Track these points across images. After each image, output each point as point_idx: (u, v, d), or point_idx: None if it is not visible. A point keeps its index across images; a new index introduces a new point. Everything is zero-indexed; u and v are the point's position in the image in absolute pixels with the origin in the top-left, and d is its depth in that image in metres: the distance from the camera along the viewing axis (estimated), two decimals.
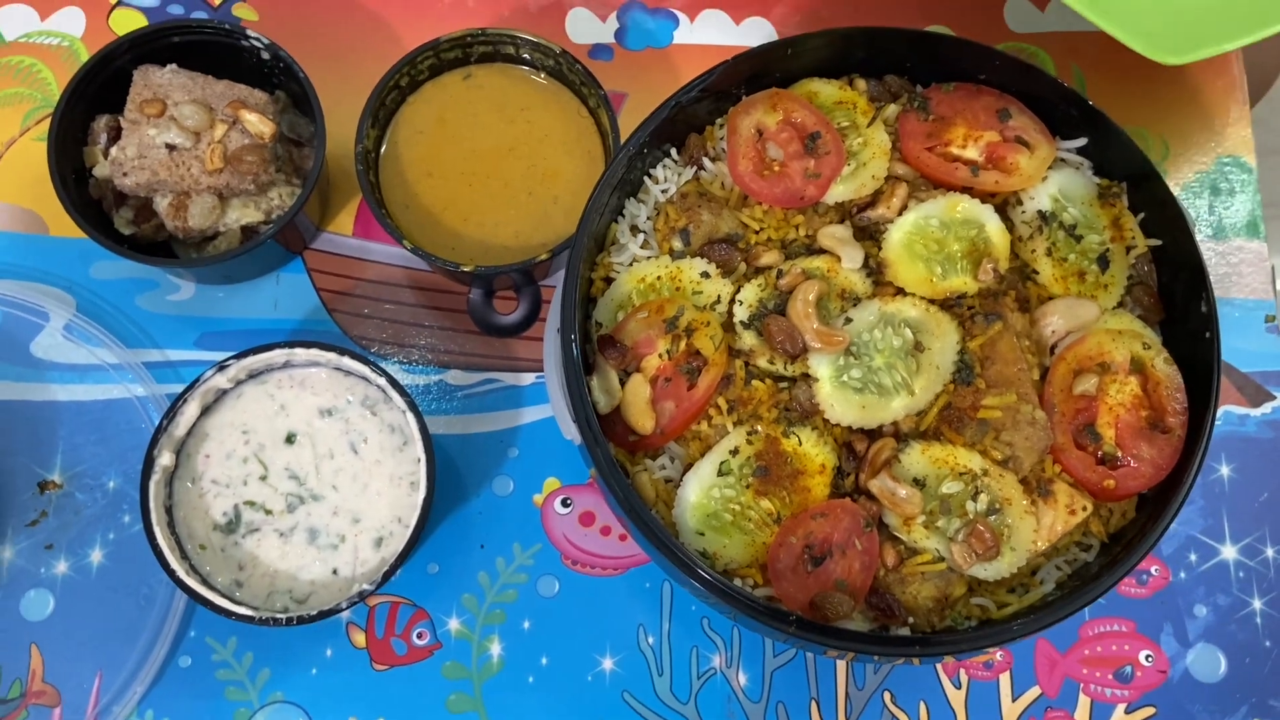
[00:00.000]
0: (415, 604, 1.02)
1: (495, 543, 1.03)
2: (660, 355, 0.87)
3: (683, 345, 0.87)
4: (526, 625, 1.01)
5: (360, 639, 1.01)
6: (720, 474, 0.84)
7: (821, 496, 0.85)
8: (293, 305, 1.09)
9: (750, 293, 0.89)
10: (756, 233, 0.91)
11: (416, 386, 1.07)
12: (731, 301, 0.89)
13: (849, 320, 0.86)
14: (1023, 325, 0.86)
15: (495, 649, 1.01)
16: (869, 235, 0.91)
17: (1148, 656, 1.02)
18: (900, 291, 0.87)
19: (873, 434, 0.86)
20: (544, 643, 1.01)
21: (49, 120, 1.09)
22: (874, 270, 0.89)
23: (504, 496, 1.05)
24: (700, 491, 0.84)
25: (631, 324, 0.88)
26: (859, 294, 0.88)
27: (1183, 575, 1.04)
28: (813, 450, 0.85)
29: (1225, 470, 1.06)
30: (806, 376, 0.87)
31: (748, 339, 0.87)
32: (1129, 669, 1.02)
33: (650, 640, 1.01)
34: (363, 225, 1.12)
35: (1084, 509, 0.83)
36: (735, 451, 0.84)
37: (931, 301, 0.87)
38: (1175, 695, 1.01)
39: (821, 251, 0.90)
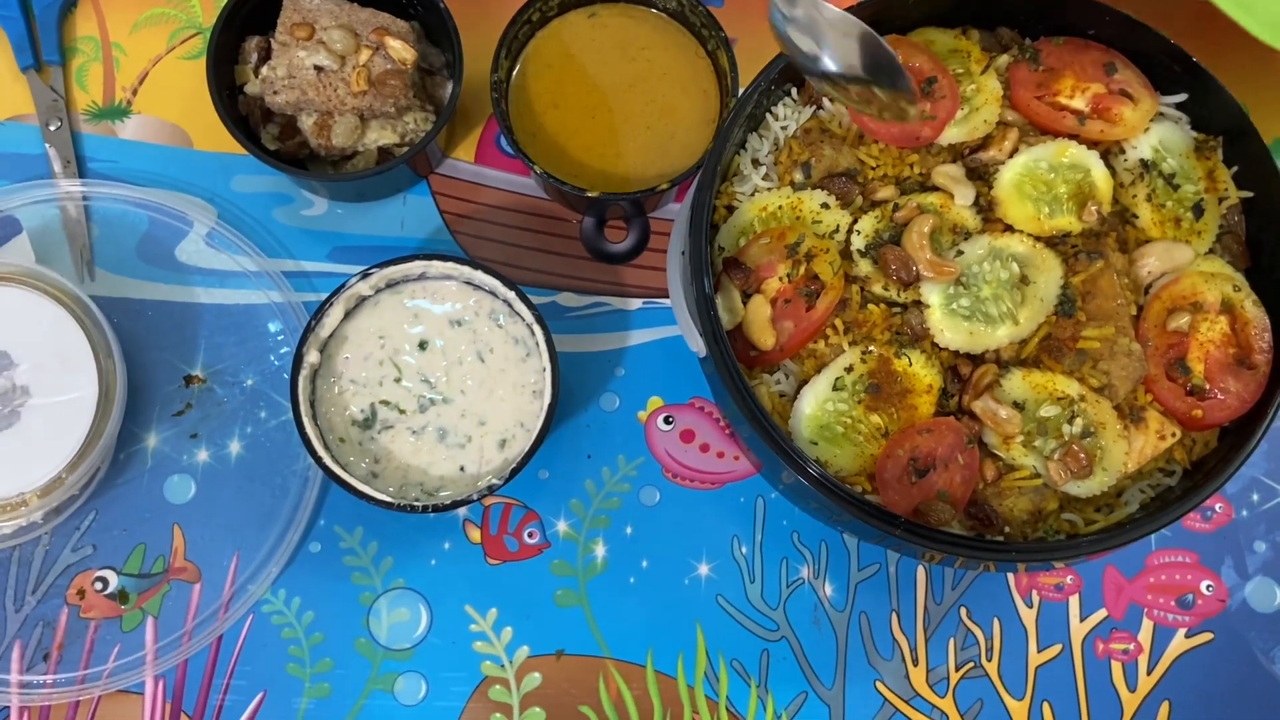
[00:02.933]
0: (527, 505, 1.07)
1: (602, 454, 1.08)
2: (780, 279, 0.93)
3: (802, 270, 0.93)
4: (629, 531, 1.07)
5: (476, 535, 1.08)
6: (835, 389, 0.91)
7: (927, 414, 0.91)
8: (418, 225, 1.15)
9: (867, 224, 0.95)
10: (873, 169, 0.97)
11: None
12: (849, 231, 0.95)
13: (960, 253, 0.93)
14: (1123, 265, 0.93)
15: (600, 550, 1.07)
16: (979, 176, 0.97)
17: (1208, 586, 1.08)
18: (1009, 228, 0.93)
19: (977, 360, 0.93)
20: (645, 548, 1.06)
21: (194, 39, 1.15)
22: (984, 208, 0.95)
23: (610, 412, 1.10)
24: (815, 404, 0.91)
25: (754, 249, 0.95)
26: (969, 229, 0.94)
27: (1244, 513, 1.10)
28: (921, 371, 0.92)
29: None
30: (918, 304, 0.93)
31: (864, 266, 0.94)
32: (1190, 597, 1.07)
33: (743, 550, 1.07)
34: (483, 153, 1.18)
35: (1173, 435, 0.89)
36: (850, 369, 0.91)
37: (1037, 239, 0.93)
38: (1232, 622, 1.06)
39: (935, 189, 0.96)
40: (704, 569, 1.07)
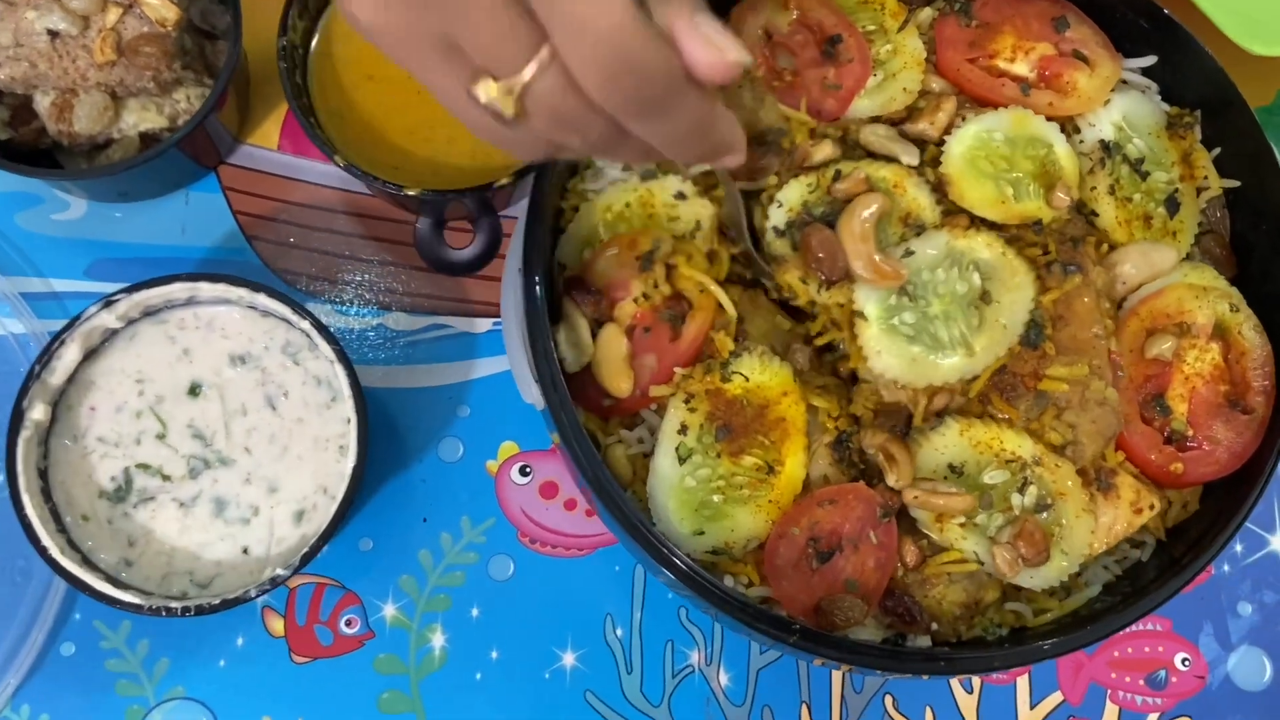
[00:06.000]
0: (344, 586, 0.88)
1: (440, 516, 0.90)
2: (637, 300, 0.72)
3: (663, 286, 0.72)
4: (475, 613, 0.89)
5: (278, 626, 0.87)
6: (681, 461, 0.70)
7: (800, 421, 0.72)
8: (204, 230, 0.94)
9: (794, 192, 0.74)
10: (802, 131, 0.77)
11: (351, 331, 0.92)
12: (755, 215, 0.74)
13: (909, 252, 0.72)
14: (1104, 282, 0.73)
15: (437, 640, 0.88)
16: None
17: (1184, 660, 0.91)
18: (974, 223, 0.73)
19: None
20: (495, 634, 0.89)
21: None
22: (936, 187, 0.75)
23: (452, 462, 0.91)
24: (673, 491, 0.71)
25: (600, 263, 0.74)
26: (925, 222, 0.74)
27: (1226, 568, 0.93)
28: (763, 378, 0.72)
29: None
30: (858, 314, 0.72)
31: (779, 247, 0.73)
32: (1163, 674, 0.91)
33: (619, 632, 0.89)
34: (291, 138, 0.96)
35: (1151, 507, 0.70)
36: (684, 429, 0.71)
37: (1009, 240, 0.72)
38: (1214, 705, 0.90)
39: (884, 159, 0.75)
40: (569, 658, 0.89)
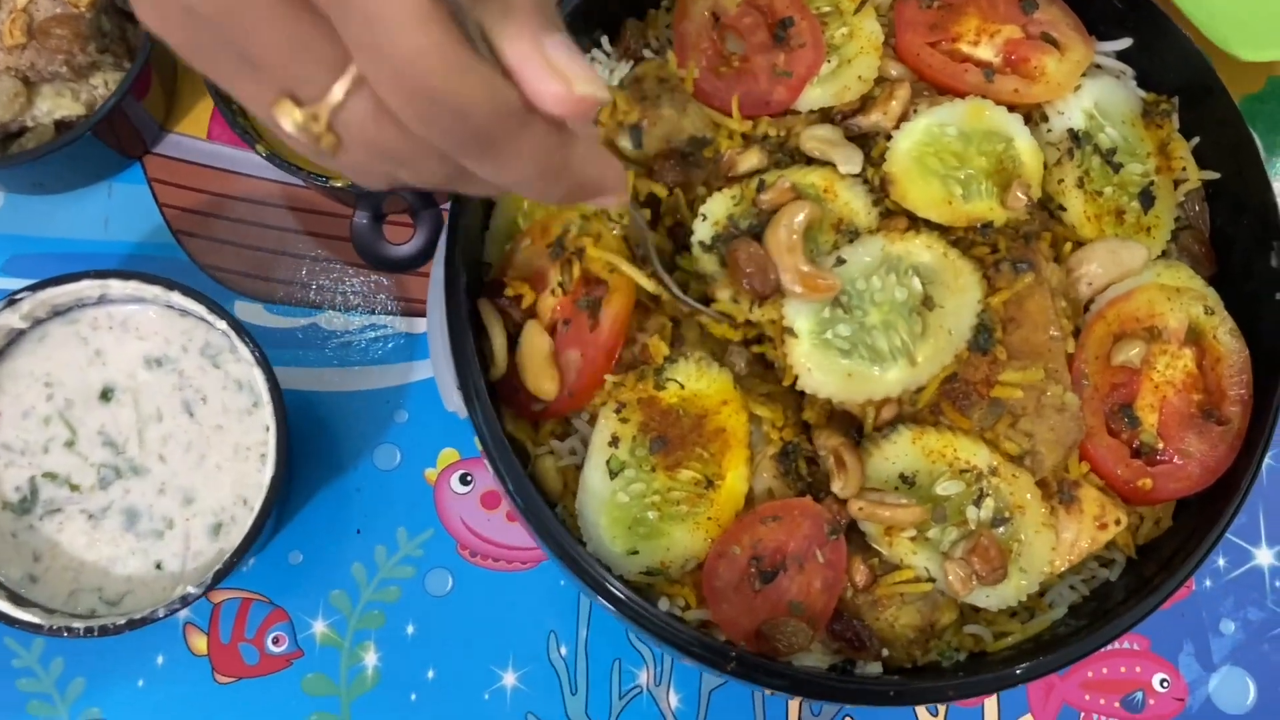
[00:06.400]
0: (271, 602, 0.84)
1: (375, 527, 0.86)
2: (553, 291, 0.67)
3: (576, 271, 0.67)
4: (410, 630, 0.84)
5: (201, 644, 0.82)
6: (613, 475, 0.65)
7: (741, 430, 0.67)
8: (128, 224, 0.89)
9: (719, 205, 0.69)
10: (730, 138, 0.71)
11: (280, 330, 0.87)
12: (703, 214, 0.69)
13: (841, 261, 0.67)
14: (1059, 280, 0.67)
15: (370, 659, 0.83)
16: (864, 149, 0.71)
17: (1163, 681, 0.86)
18: (912, 226, 0.68)
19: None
20: (431, 652, 0.84)
21: None
22: (875, 189, 0.69)
23: (388, 470, 0.87)
24: (604, 507, 0.66)
25: (519, 256, 0.69)
26: (860, 227, 0.69)
27: (1208, 584, 0.87)
28: (700, 385, 0.67)
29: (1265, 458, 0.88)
30: (788, 330, 0.66)
31: (707, 264, 0.68)
32: (1140, 695, 0.86)
33: (563, 651, 0.84)
34: (222, 127, 0.91)
35: (1116, 522, 0.64)
36: (615, 441, 0.65)
37: (952, 242, 0.67)
38: None
39: (820, 163, 0.70)
40: (510, 678, 0.84)
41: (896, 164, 0.70)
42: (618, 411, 0.65)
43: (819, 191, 0.69)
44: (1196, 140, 0.74)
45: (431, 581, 0.85)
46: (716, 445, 0.66)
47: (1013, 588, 0.64)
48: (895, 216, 0.69)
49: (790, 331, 0.66)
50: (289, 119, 0.40)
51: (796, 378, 0.66)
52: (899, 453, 0.65)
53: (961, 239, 0.68)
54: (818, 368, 0.66)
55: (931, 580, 0.64)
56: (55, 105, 0.82)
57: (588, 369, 0.66)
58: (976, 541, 0.63)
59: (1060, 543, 0.64)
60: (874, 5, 0.74)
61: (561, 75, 0.41)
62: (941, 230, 0.68)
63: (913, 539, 0.64)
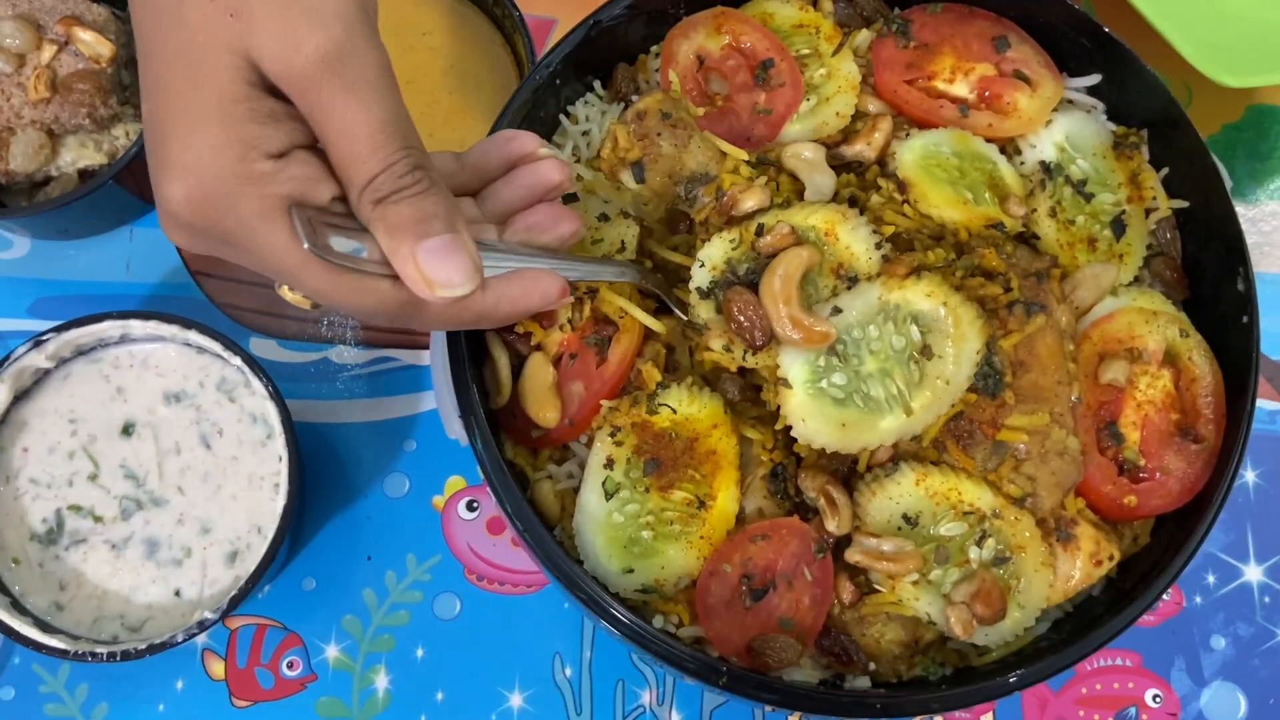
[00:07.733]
0: (286, 627, 0.86)
1: (385, 554, 0.88)
2: (562, 326, 0.70)
3: (587, 310, 0.70)
4: (420, 653, 0.86)
5: (218, 669, 0.85)
6: (608, 496, 0.67)
7: (731, 453, 0.69)
8: (149, 266, 0.93)
9: (717, 250, 0.69)
10: (734, 171, 0.73)
11: (293, 365, 0.91)
12: (716, 260, 0.70)
13: (837, 310, 0.67)
14: (1068, 321, 0.69)
15: (381, 682, 0.85)
16: (858, 173, 0.75)
17: (1155, 697, 0.87)
18: (914, 272, 0.67)
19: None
20: (441, 675, 0.86)
21: None
22: (882, 244, 0.69)
23: (398, 498, 0.89)
24: (600, 527, 0.68)
25: None
26: (859, 272, 0.68)
27: (1198, 600, 0.88)
28: (691, 410, 0.69)
29: (1251, 476, 0.90)
30: (783, 380, 0.67)
31: (703, 311, 0.69)
32: (1133, 711, 0.87)
33: (568, 672, 0.86)
34: None
35: (1110, 558, 0.66)
36: (610, 463, 0.68)
37: (965, 276, 0.68)
38: None
39: (820, 204, 0.71)
40: (517, 699, 0.86)
41: (908, 170, 0.71)
42: (613, 435, 0.68)
43: (819, 234, 0.69)
44: (1166, 171, 0.76)
45: (440, 606, 0.87)
46: (708, 467, 0.68)
47: (1011, 624, 0.66)
48: (893, 263, 0.68)
49: (784, 382, 0.66)
50: (286, 293, 0.63)
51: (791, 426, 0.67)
52: (902, 493, 0.66)
53: (970, 280, 0.68)
54: (811, 417, 0.66)
55: (933, 623, 0.66)
56: (79, 155, 0.86)
57: (591, 401, 0.69)
58: (979, 586, 0.64)
59: (1058, 578, 0.66)
60: (852, 47, 0.77)
61: (426, 280, 0.56)
62: (948, 269, 0.68)
63: (915, 582, 0.66)
